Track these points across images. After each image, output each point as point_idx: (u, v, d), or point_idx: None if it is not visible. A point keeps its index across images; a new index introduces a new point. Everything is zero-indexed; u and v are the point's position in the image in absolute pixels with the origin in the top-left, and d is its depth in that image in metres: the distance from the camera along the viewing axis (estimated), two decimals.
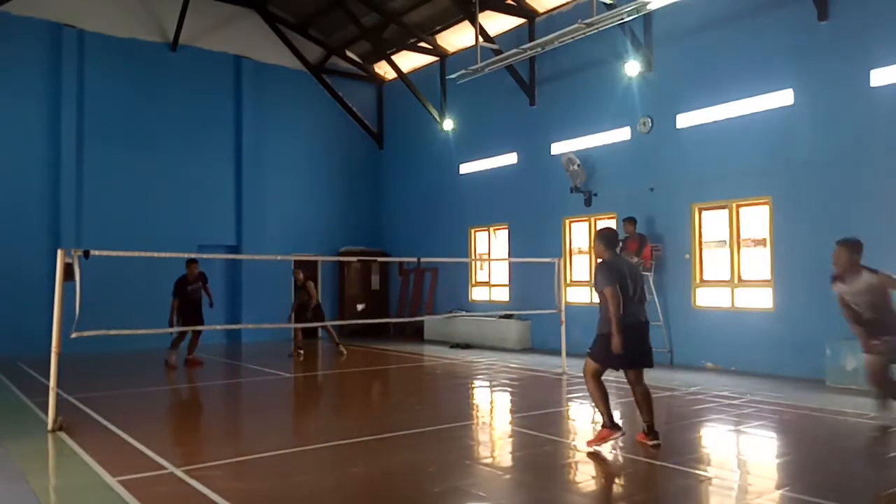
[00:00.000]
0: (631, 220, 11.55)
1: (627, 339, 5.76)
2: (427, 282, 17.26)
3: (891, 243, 9.08)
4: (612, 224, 12.68)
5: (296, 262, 13.56)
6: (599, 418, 7.25)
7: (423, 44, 16.35)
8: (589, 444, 5.97)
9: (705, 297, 11.28)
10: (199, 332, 11.74)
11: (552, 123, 13.85)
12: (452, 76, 13.16)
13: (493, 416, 8.17)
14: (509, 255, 14.83)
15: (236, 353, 14.15)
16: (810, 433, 6.73)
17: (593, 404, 6.17)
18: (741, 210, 10.87)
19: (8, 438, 6.38)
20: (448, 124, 16.35)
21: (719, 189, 10.97)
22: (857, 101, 9.43)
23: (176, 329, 11.65)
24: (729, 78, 10.80)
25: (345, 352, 13.16)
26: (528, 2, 13.91)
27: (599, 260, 6.18)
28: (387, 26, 16.34)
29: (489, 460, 5.95)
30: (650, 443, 5.89)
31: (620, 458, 5.80)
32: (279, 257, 12.98)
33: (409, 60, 17.35)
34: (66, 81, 14.25)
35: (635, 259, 11.19)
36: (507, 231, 15.14)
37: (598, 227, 6.46)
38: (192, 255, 11.69)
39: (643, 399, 5.98)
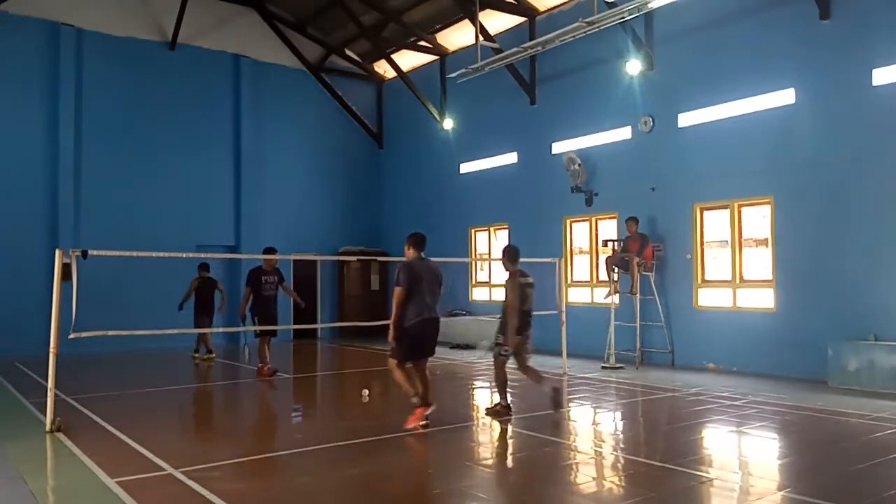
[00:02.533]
0: (633, 220, 11.51)
1: (420, 332, 6.56)
2: None
3: (893, 242, 9.06)
4: (613, 224, 12.66)
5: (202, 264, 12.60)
6: (601, 419, 7.23)
7: (422, 42, 16.32)
8: (406, 424, 6.58)
9: (707, 298, 11.25)
10: (270, 336, 10.53)
11: (553, 123, 13.81)
12: (452, 75, 13.13)
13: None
14: None
15: (235, 354, 14.10)
16: (812, 434, 6.70)
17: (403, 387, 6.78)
18: (743, 210, 10.84)
19: (6, 439, 6.35)
20: (448, 123, 16.31)
21: (721, 189, 10.93)
22: (859, 100, 9.40)
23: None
24: (730, 77, 10.77)
25: (199, 363, 12.24)
26: (528, 0, 13.88)
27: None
28: (386, 25, 16.30)
29: (489, 462, 5.92)
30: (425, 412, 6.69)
31: (621, 460, 5.78)
32: (279, 257, 12.90)
33: (408, 59, 17.31)
34: (64, 80, 14.21)
35: (637, 259, 11.17)
36: (507, 231, 15.10)
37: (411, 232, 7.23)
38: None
39: (424, 380, 6.80)
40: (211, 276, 12.63)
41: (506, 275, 7.47)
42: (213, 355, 12.55)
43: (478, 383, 10.34)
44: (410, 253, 6.89)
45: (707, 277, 11.29)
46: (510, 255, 7.49)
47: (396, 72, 16.91)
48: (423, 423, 6.65)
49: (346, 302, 17.84)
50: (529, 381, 7.64)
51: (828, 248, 9.70)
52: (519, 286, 7.24)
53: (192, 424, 8.12)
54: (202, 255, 12.36)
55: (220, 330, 14.45)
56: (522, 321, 7.32)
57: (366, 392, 8.68)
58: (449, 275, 16.15)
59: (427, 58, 16.98)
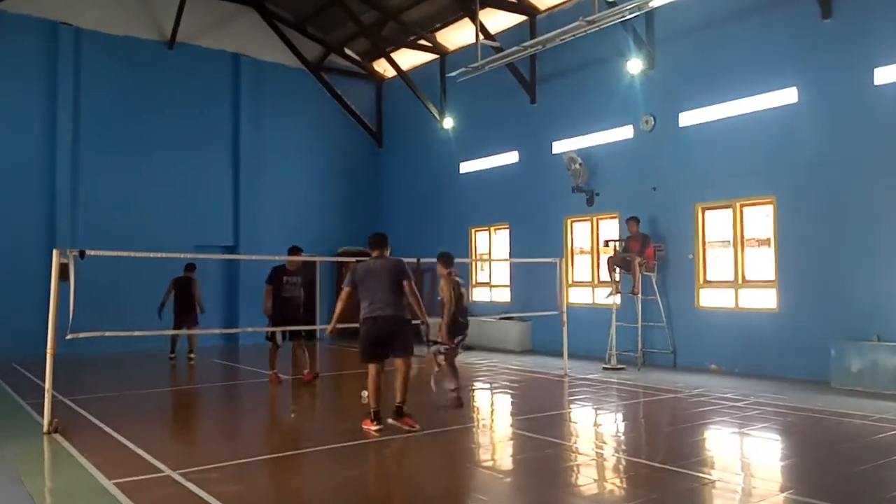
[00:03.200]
0: (634, 220, 11.47)
1: (368, 330, 6.59)
2: (427, 282, 17.17)
3: (895, 241, 9.03)
4: (615, 224, 12.62)
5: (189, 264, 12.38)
6: (602, 420, 7.18)
7: (422, 41, 16.27)
8: (364, 423, 6.63)
9: (709, 298, 11.20)
10: (303, 339, 10.08)
11: (553, 122, 13.76)
12: (452, 74, 13.09)
13: (494, 418, 8.10)
14: (510, 256, 14.75)
15: (233, 355, 14.08)
16: (815, 436, 6.67)
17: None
18: (745, 209, 10.80)
19: (3, 440, 6.30)
20: (448, 123, 16.27)
21: (723, 188, 10.89)
22: (861, 99, 9.36)
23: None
24: (732, 76, 10.73)
25: (171, 359, 12.32)
26: None
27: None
28: (386, 24, 16.26)
29: (489, 463, 5.87)
30: (393, 421, 6.66)
31: (623, 461, 5.73)
32: (277, 257, 12.84)
33: (408, 58, 17.27)
34: (63, 79, 14.16)
35: (638, 259, 11.12)
36: (507, 231, 15.06)
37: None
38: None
39: (398, 381, 6.69)
40: (193, 277, 12.43)
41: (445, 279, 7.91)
42: (174, 356, 12.37)
43: (477, 384, 10.30)
44: (370, 253, 6.99)
45: (709, 278, 11.25)
46: (444, 260, 8.00)
47: (396, 71, 16.87)
48: (413, 427, 6.58)
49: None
50: (447, 380, 8.01)
51: (830, 248, 9.65)
52: (455, 284, 7.77)
53: (191, 426, 8.08)
54: (201, 256, 12.29)
55: (219, 331, 14.45)
56: (459, 322, 7.80)
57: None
58: None
59: (427, 57, 16.94)
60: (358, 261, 7.08)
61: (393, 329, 6.65)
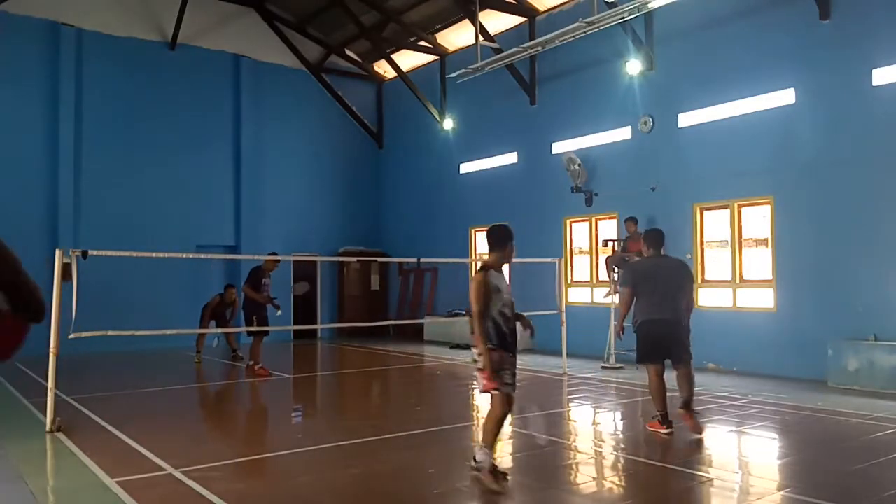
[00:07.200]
0: (632, 220, 11.50)
1: (649, 332, 6.55)
2: (427, 282, 17.21)
3: (893, 242, 9.05)
4: (613, 224, 12.66)
5: (228, 285, 12.73)
6: (601, 419, 7.23)
7: (423, 43, 16.31)
8: (650, 425, 6.49)
9: (707, 298, 11.24)
10: (260, 334, 10.66)
11: (553, 123, 13.80)
12: (452, 75, 13.13)
13: None
14: None
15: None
16: (812, 434, 6.70)
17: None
18: (743, 210, 10.84)
19: (6, 439, 6.35)
20: (448, 123, 16.30)
21: (721, 189, 10.93)
22: (859, 100, 9.40)
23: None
24: (731, 77, 10.76)
25: (242, 356, 12.39)
26: (528, 0, 13.87)
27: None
28: (386, 25, 16.30)
29: None
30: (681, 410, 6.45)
31: (622, 460, 5.77)
32: (278, 257, 12.89)
33: (408, 59, 17.30)
34: (64, 81, 14.19)
35: (636, 259, 11.15)
36: None
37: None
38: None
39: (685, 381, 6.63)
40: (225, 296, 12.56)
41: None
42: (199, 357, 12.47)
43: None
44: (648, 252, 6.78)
45: (707, 277, 11.28)
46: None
47: (396, 72, 16.90)
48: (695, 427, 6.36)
49: (346, 302, 17.83)
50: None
51: (828, 248, 9.69)
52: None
53: (193, 424, 8.10)
54: (202, 256, 12.33)
55: (220, 331, 14.45)
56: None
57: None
58: (448, 275, 16.28)
59: (427, 58, 16.97)
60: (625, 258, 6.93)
61: (673, 334, 6.55)
